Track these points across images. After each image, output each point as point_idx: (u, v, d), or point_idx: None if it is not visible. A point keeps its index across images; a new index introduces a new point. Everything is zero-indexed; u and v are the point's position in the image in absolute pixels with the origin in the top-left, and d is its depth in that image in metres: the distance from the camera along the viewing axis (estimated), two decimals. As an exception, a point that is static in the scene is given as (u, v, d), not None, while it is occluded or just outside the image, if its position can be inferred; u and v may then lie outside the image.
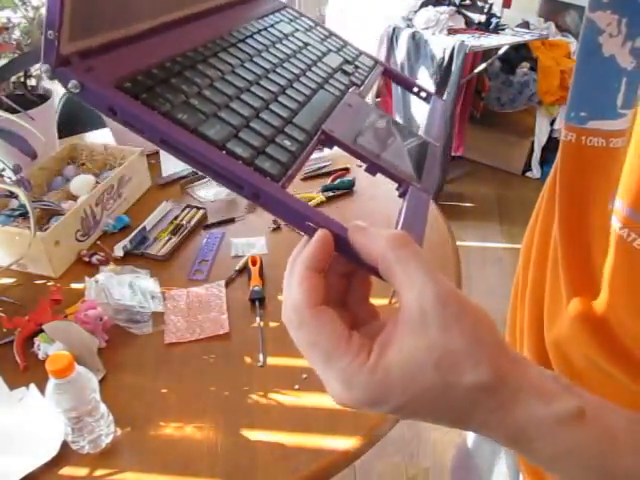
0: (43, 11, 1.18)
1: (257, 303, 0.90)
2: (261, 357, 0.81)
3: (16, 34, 1.17)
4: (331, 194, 1.16)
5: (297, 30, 0.56)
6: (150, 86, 0.35)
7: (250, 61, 0.46)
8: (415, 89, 0.59)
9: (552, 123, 2.67)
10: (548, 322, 0.47)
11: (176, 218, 1.11)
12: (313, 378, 0.76)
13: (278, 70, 0.46)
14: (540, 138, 2.69)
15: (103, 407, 0.70)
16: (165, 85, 0.36)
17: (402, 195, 0.38)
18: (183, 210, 1.13)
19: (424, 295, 0.27)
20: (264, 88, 0.42)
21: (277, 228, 1.08)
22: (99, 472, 0.68)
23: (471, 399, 0.27)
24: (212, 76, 0.41)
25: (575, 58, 0.42)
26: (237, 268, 0.98)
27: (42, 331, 0.82)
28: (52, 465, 0.68)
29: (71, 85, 0.33)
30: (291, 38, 0.54)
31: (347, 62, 0.55)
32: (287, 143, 0.37)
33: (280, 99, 0.42)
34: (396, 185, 0.39)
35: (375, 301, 0.35)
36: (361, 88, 0.51)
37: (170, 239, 1.05)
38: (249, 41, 0.49)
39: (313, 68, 0.50)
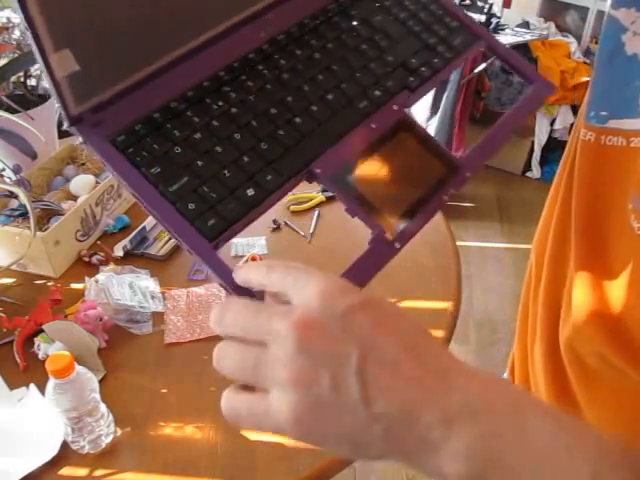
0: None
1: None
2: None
3: (16, 34, 1.17)
4: (331, 194, 1.16)
5: (380, 9, 0.51)
6: (140, 137, 0.40)
7: (267, 87, 0.45)
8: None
9: (552, 123, 2.67)
10: (564, 321, 0.46)
11: (176, 218, 1.11)
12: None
13: (296, 90, 0.45)
14: (540, 138, 2.69)
15: (103, 407, 0.70)
16: (155, 134, 0.41)
17: (370, 242, 0.39)
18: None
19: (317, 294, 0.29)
20: (263, 123, 0.43)
21: (277, 228, 1.08)
22: (99, 472, 0.68)
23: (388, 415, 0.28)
24: (202, 119, 0.42)
25: (595, 58, 0.41)
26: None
27: (42, 331, 0.82)
28: (52, 465, 0.68)
29: (79, 141, 0.41)
30: (360, 27, 0.49)
31: (426, 47, 0.49)
32: (249, 192, 0.39)
33: (280, 131, 0.42)
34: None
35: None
36: (413, 92, 0.46)
37: (170, 239, 1.05)
38: (294, 46, 0.48)
39: (357, 74, 0.46)
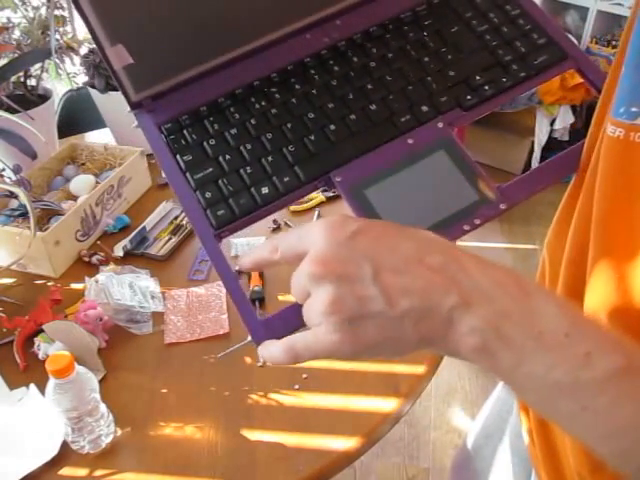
0: (43, 11, 1.18)
1: (257, 303, 0.90)
2: (261, 357, 0.81)
3: (16, 34, 1.17)
4: (331, 194, 1.16)
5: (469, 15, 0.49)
6: (182, 127, 0.45)
7: (313, 92, 0.46)
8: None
9: (552, 123, 2.67)
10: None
11: (176, 218, 1.11)
12: (313, 378, 0.76)
13: (339, 98, 0.45)
14: (540, 138, 2.69)
15: (103, 407, 0.70)
16: (196, 125, 0.45)
17: None
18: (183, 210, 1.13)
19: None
20: (298, 126, 0.44)
21: (277, 228, 1.08)
22: (99, 472, 0.68)
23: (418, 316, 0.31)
24: (241, 116, 0.45)
25: (626, 54, 0.40)
26: (237, 268, 0.98)
27: (42, 331, 0.82)
28: (52, 465, 0.68)
29: (134, 124, 0.46)
30: (437, 34, 0.48)
31: (498, 64, 0.46)
32: (263, 190, 0.42)
33: (311, 136, 0.43)
34: None
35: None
36: (467, 111, 0.45)
37: (170, 239, 1.05)
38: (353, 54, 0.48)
39: (410, 87, 0.45)
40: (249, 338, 0.36)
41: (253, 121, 0.45)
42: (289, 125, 0.44)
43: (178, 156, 0.44)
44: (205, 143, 0.44)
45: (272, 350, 0.36)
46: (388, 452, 1.64)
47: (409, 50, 0.47)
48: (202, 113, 0.46)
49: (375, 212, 0.40)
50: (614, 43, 2.74)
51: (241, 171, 0.43)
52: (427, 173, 0.42)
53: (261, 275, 0.95)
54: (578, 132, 2.66)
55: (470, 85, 0.45)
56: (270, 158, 0.43)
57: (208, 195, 0.41)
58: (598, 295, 0.41)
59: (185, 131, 0.45)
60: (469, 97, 0.45)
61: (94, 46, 1.23)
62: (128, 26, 0.43)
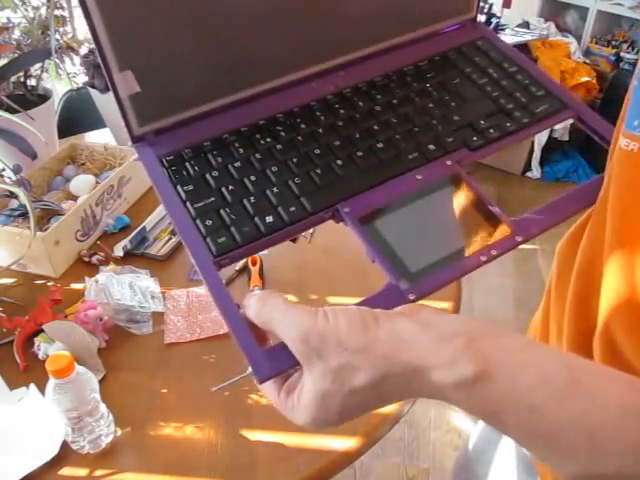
0: (43, 11, 1.18)
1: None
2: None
3: (16, 34, 1.17)
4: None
5: (462, 71, 0.51)
6: (185, 160, 0.44)
7: (319, 130, 0.46)
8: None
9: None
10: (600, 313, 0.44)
11: (176, 218, 1.11)
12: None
13: (345, 137, 0.46)
14: (540, 138, 2.69)
15: (103, 407, 0.70)
16: (199, 159, 0.45)
17: (384, 287, 0.38)
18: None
19: (292, 342, 0.33)
20: (303, 161, 0.44)
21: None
22: (99, 472, 0.68)
23: (374, 392, 0.32)
24: (246, 151, 0.45)
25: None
26: (237, 268, 0.98)
27: (42, 331, 0.82)
28: (52, 465, 0.68)
29: (134, 157, 0.48)
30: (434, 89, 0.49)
31: (501, 111, 0.48)
32: (267, 220, 0.40)
33: (317, 170, 0.43)
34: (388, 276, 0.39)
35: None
36: (473, 152, 0.46)
37: (170, 239, 1.05)
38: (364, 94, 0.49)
39: (416, 128, 0.46)
40: (249, 370, 0.35)
41: (258, 155, 0.44)
42: (295, 160, 0.44)
43: (179, 186, 0.42)
44: (208, 175, 0.43)
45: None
46: (388, 452, 1.64)
47: (413, 97, 0.49)
48: (205, 147, 0.45)
49: (386, 242, 0.39)
50: (614, 43, 2.74)
51: (244, 201, 0.42)
52: (438, 207, 0.42)
53: (261, 275, 0.95)
54: (578, 132, 2.66)
55: (475, 128, 0.46)
56: (275, 189, 0.42)
57: (208, 223, 0.40)
58: (612, 307, 0.41)
59: (187, 163, 0.44)
60: (475, 138, 0.46)
61: (94, 46, 1.23)
62: (139, 53, 0.41)
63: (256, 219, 0.40)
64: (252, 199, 0.41)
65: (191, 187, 0.42)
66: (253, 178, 0.43)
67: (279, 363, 0.34)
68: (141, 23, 0.41)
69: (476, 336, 0.31)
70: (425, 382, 0.31)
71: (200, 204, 0.41)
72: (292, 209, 0.40)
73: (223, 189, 0.42)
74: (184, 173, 0.44)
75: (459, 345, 0.31)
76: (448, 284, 0.39)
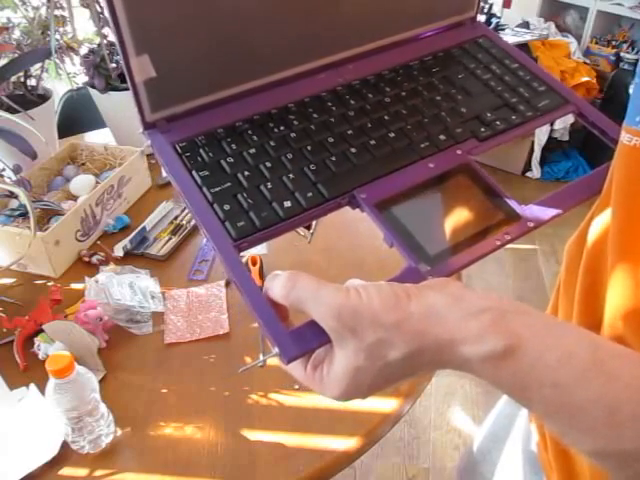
0: (43, 11, 1.18)
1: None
2: (261, 357, 0.81)
3: (16, 34, 1.17)
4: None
5: (465, 67, 0.53)
6: (199, 146, 0.45)
7: (331, 120, 0.47)
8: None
9: (552, 123, 2.67)
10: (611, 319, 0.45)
11: (176, 218, 1.11)
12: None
13: (358, 126, 0.46)
14: (540, 138, 2.69)
15: (103, 407, 0.70)
16: (213, 145, 0.45)
17: (401, 271, 0.39)
18: (183, 210, 1.13)
19: (325, 320, 0.33)
20: (318, 149, 0.44)
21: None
22: (99, 472, 0.68)
23: (405, 366, 0.33)
24: (261, 138, 0.45)
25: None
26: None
27: (42, 331, 0.82)
28: (52, 465, 0.68)
29: (146, 144, 0.46)
30: (440, 81, 0.51)
31: (506, 105, 0.50)
32: (285, 204, 0.41)
33: (332, 157, 0.44)
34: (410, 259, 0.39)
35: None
36: (482, 142, 0.47)
37: (170, 239, 1.05)
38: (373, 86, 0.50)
39: (425, 119, 0.47)
40: (275, 350, 0.35)
41: (272, 143, 0.45)
42: (309, 147, 0.44)
43: (194, 172, 0.43)
44: (223, 161, 0.44)
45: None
46: (388, 452, 1.64)
47: (421, 90, 0.50)
48: (219, 134, 0.45)
49: (404, 227, 0.40)
50: (614, 43, 2.74)
51: (261, 187, 0.42)
52: (451, 194, 0.44)
53: (261, 275, 0.95)
54: (578, 132, 2.66)
55: (483, 121, 0.48)
56: (291, 176, 0.42)
57: (226, 207, 0.40)
58: (618, 303, 0.41)
59: (201, 150, 0.44)
60: (483, 129, 0.47)
61: (94, 46, 1.23)
62: (156, 39, 0.41)
63: (274, 204, 0.41)
64: (269, 185, 0.42)
65: (207, 172, 0.43)
66: (269, 164, 0.43)
67: (305, 344, 0.34)
68: (159, 9, 0.41)
69: (504, 312, 0.32)
70: (455, 355, 0.32)
71: (217, 189, 0.42)
72: (309, 195, 0.41)
73: (239, 175, 0.43)
74: (199, 159, 0.44)
75: (488, 320, 0.31)
76: (466, 267, 0.40)
